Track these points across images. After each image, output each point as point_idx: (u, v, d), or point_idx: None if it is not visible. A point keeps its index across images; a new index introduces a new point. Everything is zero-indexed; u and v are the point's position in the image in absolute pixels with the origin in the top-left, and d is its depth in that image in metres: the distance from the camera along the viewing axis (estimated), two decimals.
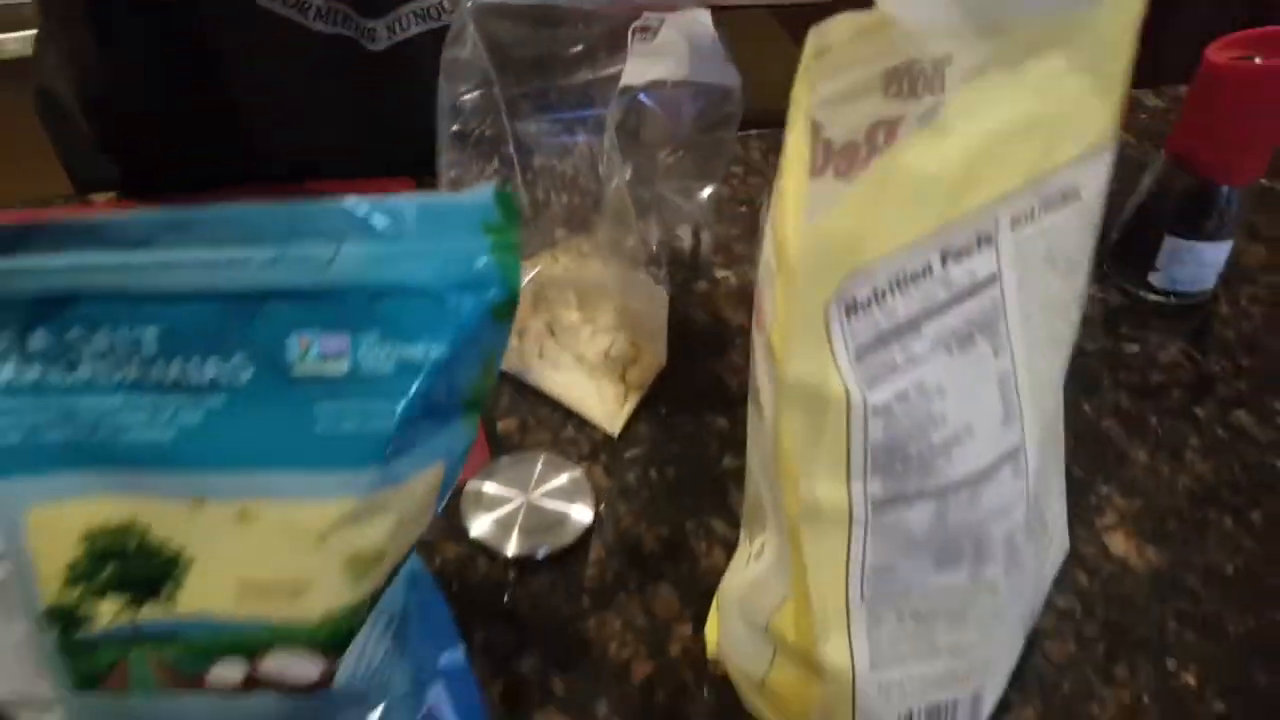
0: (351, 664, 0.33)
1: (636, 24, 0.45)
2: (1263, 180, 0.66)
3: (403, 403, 0.28)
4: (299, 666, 0.32)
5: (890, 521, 0.32)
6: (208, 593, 0.30)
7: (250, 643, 0.31)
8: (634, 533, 0.52)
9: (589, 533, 0.51)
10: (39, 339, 0.26)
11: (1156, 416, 0.60)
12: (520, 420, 0.57)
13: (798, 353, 0.27)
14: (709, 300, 0.66)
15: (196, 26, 0.63)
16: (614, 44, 0.47)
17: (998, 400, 0.31)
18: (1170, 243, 0.65)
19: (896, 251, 0.27)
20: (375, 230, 0.27)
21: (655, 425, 0.57)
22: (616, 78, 0.48)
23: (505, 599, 0.49)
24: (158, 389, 0.27)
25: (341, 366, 0.28)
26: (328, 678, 0.32)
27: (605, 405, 0.55)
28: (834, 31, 0.26)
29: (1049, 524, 0.42)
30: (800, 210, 0.25)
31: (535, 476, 0.52)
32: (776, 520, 0.37)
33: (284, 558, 0.30)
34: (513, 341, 0.57)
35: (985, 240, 0.29)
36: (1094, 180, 0.31)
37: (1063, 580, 0.51)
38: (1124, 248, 0.67)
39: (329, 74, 0.64)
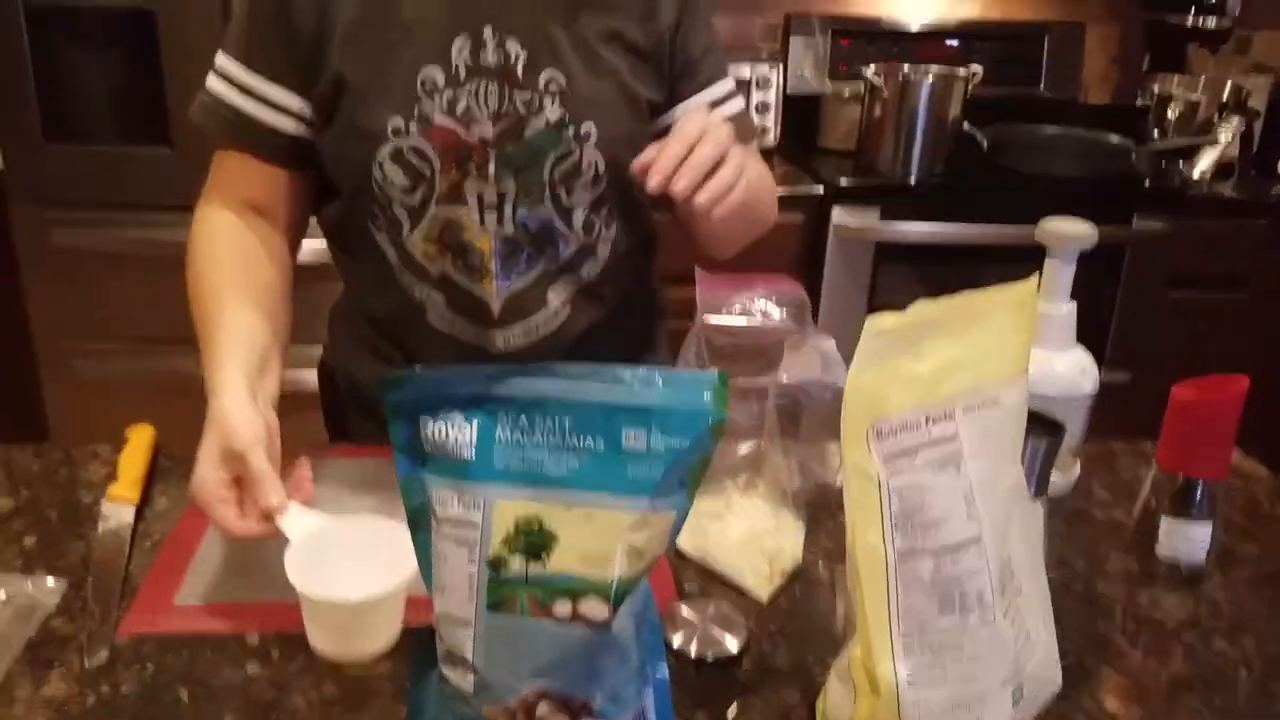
0: (621, 619, 0.63)
1: (788, 340, 0.81)
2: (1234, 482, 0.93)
3: (665, 467, 0.61)
4: (598, 609, 0.62)
5: (909, 569, 0.61)
6: (563, 559, 0.62)
7: (577, 590, 0.62)
8: (771, 654, 0.79)
9: (742, 652, 0.79)
10: (523, 420, 0.61)
11: (1152, 636, 0.84)
12: (701, 584, 0.87)
13: (853, 451, 0.59)
14: (832, 532, 0.96)
15: (407, 342, 1.07)
16: (775, 352, 0.83)
17: (962, 503, 0.61)
18: (1166, 522, 0.91)
19: (901, 411, 0.59)
20: (661, 382, 0.61)
21: (790, 599, 0.86)
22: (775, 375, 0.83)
23: (688, 679, 0.76)
24: (563, 449, 0.61)
25: (642, 445, 0.61)
26: (610, 620, 0.62)
27: (758, 581, 0.85)
28: (881, 319, 0.61)
29: (1032, 635, 0.68)
30: (854, 382, 0.59)
31: (709, 613, 0.81)
32: (854, 594, 0.65)
33: (602, 542, 0.61)
34: (698, 537, 0.89)
35: (949, 416, 0.60)
36: (1009, 397, 0.62)
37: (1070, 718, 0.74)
38: (1137, 529, 0.94)
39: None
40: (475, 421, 0.62)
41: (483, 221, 0.98)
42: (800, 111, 2.65)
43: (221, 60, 0.99)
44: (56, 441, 2.25)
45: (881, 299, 2.34)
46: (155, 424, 1.06)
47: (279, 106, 0.98)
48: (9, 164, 2.10)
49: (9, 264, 2.14)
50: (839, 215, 2.29)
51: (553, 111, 0.96)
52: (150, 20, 2.01)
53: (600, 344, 1.07)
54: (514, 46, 0.95)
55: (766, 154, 2.50)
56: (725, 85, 1.09)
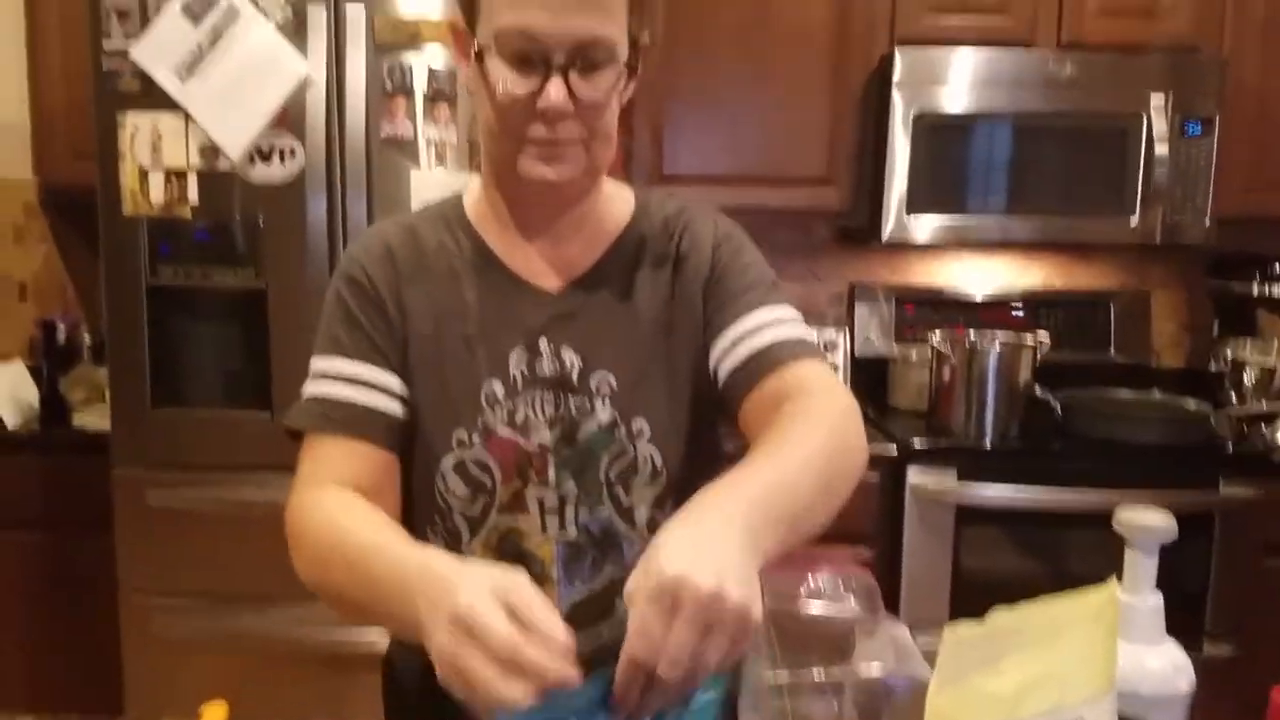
0: None
1: (860, 627, 0.80)
2: None
3: None
4: None
5: None
6: None
7: None
8: None
9: None
10: None
11: None
12: None
13: None
14: None
15: None
16: (846, 640, 0.82)
17: None
18: None
19: None
20: None
21: None
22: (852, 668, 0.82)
23: None
24: None
25: None
26: None
27: None
28: (960, 629, 0.60)
29: None
30: (935, 703, 0.57)
31: None
32: None
33: None
34: None
35: None
36: (1095, 715, 0.60)
37: None
38: None
39: None
40: None
41: (544, 527, 0.99)
42: (868, 372, 2.72)
43: (319, 363, 1.00)
44: (131, 700, 2.25)
45: (966, 561, 2.29)
46: (226, 684, 1.06)
47: (388, 390, 0.99)
48: (115, 427, 2.22)
49: (105, 523, 2.22)
50: (915, 475, 2.28)
51: (604, 413, 0.99)
52: (261, 297, 2.18)
53: None
54: (569, 355, 1.00)
55: None
56: (767, 313, 1.01)
